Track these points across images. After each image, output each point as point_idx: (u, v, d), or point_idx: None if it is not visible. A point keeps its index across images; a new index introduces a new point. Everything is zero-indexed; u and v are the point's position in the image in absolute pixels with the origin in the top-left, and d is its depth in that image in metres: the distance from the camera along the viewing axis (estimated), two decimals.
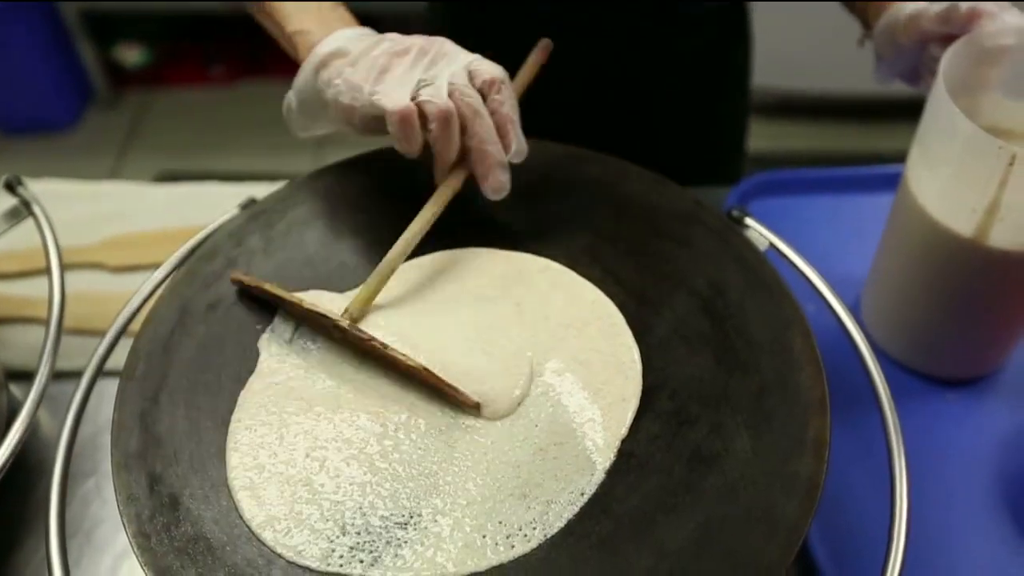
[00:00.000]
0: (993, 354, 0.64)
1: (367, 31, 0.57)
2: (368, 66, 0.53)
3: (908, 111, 0.63)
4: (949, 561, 0.55)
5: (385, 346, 0.47)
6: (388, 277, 0.51)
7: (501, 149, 0.52)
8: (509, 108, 0.52)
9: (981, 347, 0.63)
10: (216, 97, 2.23)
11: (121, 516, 0.42)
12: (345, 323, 0.49)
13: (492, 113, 0.52)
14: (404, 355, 0.47)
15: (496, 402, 0.47)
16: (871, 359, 0.50)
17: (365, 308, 0.50)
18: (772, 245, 0.56)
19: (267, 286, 0.51)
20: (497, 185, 0.52)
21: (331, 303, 0.51)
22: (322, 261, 0.55)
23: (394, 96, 0.51)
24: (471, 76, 0.52)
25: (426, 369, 0.46)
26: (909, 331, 0.64)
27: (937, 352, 0.64)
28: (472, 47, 0.52)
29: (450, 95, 0.51)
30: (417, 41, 0.54)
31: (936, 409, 0.63)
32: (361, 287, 0.51)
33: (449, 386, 0.46)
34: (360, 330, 0.48)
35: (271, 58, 2.25)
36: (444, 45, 0.54)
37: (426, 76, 0.52)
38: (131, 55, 2.23)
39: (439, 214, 0.53)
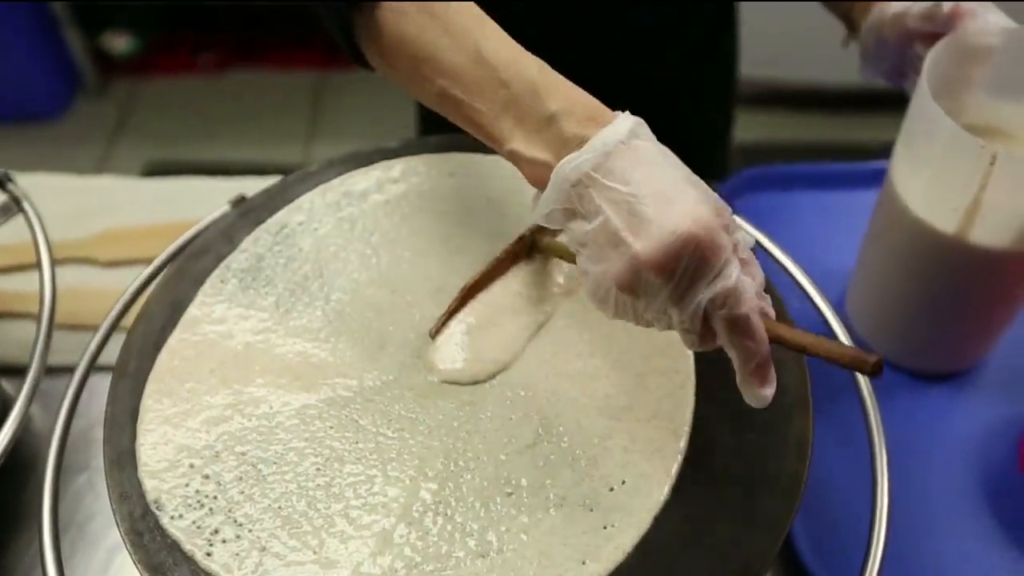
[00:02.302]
0: (974, 349, 0.65)
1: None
2: None
3: (894, 103, 0.64)
4: (930, 553, 0.56)
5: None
6: None
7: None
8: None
9: (963, 342, 0.64)
10: (205, 86, 2.22)
11: (114, 514, 0.42)
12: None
13: None
14: None
15: None
16: None
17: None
18: (757, 242, 0.57)
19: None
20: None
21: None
22: None
23: None
24: None
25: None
26: (892, 326, 0.65)
27: (919, 347, 0.65)
28: None
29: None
30: None
31: (918, 404, 0.64)
32: None
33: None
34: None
35: (261, 47, 2.25)
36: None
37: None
38: (119, 44, 2.22)
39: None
